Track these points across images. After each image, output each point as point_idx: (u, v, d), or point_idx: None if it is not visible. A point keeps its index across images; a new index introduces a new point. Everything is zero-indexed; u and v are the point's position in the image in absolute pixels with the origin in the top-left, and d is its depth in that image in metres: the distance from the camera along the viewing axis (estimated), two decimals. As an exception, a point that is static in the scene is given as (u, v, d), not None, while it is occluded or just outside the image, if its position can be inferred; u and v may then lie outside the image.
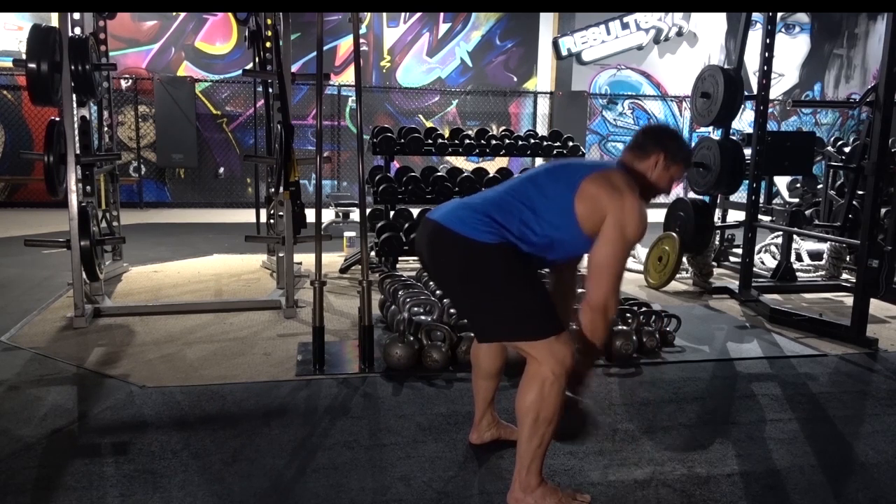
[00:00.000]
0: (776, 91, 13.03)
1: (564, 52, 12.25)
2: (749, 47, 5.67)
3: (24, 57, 4.08)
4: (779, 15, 5.72)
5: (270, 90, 5.62)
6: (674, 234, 5.50)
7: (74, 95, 4.41)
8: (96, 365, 3.48)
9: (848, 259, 6.06)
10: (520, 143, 6.35)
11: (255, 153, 6.77)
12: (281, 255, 4.96)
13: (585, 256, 2.26)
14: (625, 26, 12.42)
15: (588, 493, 2.31)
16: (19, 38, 9.91)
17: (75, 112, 4.53)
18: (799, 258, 6.47)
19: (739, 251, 5.72)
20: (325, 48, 8.22)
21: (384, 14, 11.46)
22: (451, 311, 3.75)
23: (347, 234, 6.61)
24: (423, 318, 3.65)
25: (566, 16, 12.14)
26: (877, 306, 4.59)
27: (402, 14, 11.55)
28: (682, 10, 12.45)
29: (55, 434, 2.70)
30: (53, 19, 6.92)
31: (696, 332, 4.28)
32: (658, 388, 3.35)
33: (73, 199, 4.15)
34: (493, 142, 6.30)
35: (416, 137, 6.05)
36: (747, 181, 5.24)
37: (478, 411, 2.65)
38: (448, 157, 9.65)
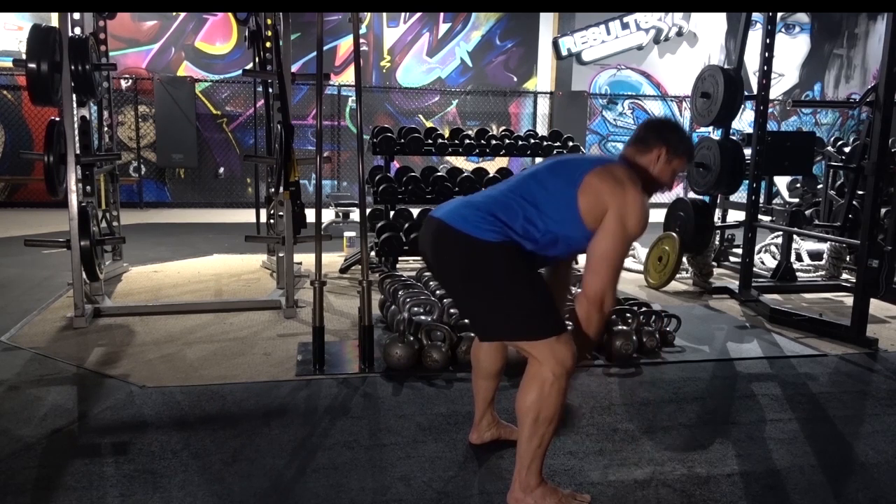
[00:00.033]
0: (776, 91, 13.03)
1: (564, 52, 12.25)
2: (749, 47, 5.67)
3: (24, 57, 4.08)
4: (779, 15, 5.72)
5: (270, 90, 5.62)
6: (674, 234, 5.50)
7: (74, 95, 4.41)
8: (96, 365, 3.48)
9: (848, 259, 6.06)
10: (520, 143, 6.35)
11: (255, 153, 6.77)
12: (281, 255, 4.96)
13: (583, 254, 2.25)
14: (625, 26, 12.43)
15: (588, 493, 2.31)
16: (19, 38, 9.91)
17: (75, 112, 4.53)
18: (799, 258, 6.47)
19: (739, 251, 5.72)
20: (325, 48, 8.22)
21: (384, 14, 11.46)
22: (451, 311, 3.75)
23: (347, 234, 6.61)
24: (423, 318, 3.65)
25: (566, 16, 12.15)
26: (877, 306, 4.59)
27: (402, 14, 11.55)
28: (682, 10, 12.45)
29: (55, 434, 2.70)
30: (53, 19, 6.92)
31: (696, 332, 4.28)
32: (658, 388, 3.35)
33: (73, 199, 4.15)
34: (493, 142, 6.30)
35: (416, 137, 6.05)
36: (747, 181, 5.24)
37: (478, 411, 2.65)
38: (448, 157, 9.66)
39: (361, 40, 11.25)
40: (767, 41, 4.92)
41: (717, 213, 6.11)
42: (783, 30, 13.03)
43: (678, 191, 11.65)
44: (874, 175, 4.01)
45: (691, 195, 5.94)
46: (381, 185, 5.72)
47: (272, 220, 5.56)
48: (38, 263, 5.91)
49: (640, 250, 6.38)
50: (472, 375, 2.64)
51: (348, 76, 11.29)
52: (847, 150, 6.46)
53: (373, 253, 5.51)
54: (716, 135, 6.46)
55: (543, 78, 12.27)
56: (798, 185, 7.11)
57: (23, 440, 2.63)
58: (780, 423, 2.98)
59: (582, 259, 2.20)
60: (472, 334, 3.46)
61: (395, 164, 6.43)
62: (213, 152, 11.14)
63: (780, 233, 6.06)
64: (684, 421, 2.97)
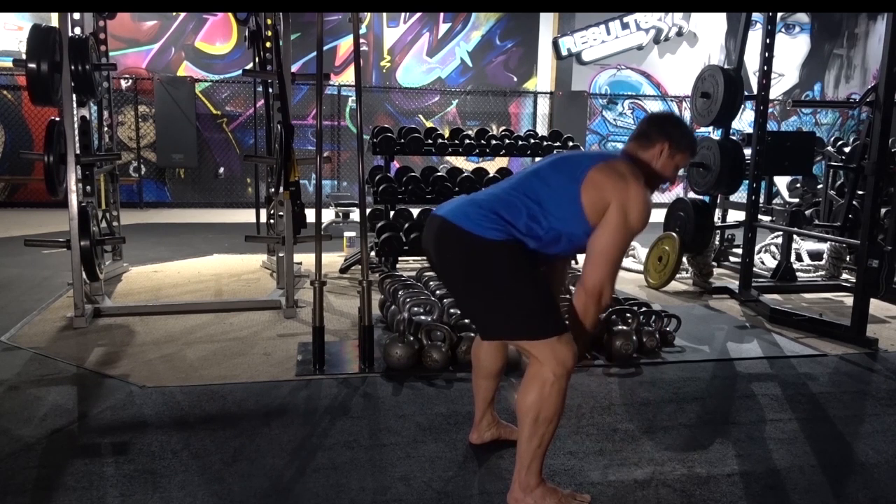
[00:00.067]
0: (776, 91, 13.03)
1: (564, 52, 12.25)
2: (749, 47, 5.67)
3: (24, 57, 4.08)
4: (779, 15, 5.72)
5: (270, 90, 5.62)
6: (674, 234, 5.50)
7: (74, 95, 4.41)
8: (96, 365, 3.48)
9: (848, 259, 6.06)
10: (520, 143, 6.35)
11: (255, 153, 6.78)
12: (281, 255, 4.96)
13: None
14: (625, 26, 12.43)
15: (588, 493, 2.31)
16: (19, 38, 9.91)
17: (75, 112, 4.54)
18: (799, 258, 6.47)
19: (739, 251, 5.72)
20: (325, 48, 8.22)
21: (384, 14, 11.46)
22: (451, 310, 3.75)
23: (347, 234, 6.61)
24: (423, 318, 3.65)
25: (566, 16, 12.15)
26: (877, 306, 4.59)
27: (402, 14, 11.55)
28: (682, 10, 12.45)
29: (55, 434, 2.70)
30: (53, 19, 6.92)
31: (696, 332, 4.28)
32: (658, 388, 3.35)
33: (73, 199, 4.15)
34: (493, 142, 6.30)
35: (416, 137, 6.05)
36: (747, 181, 5.24)
37: (478, 411, 2.65)
38: (448, 157, 9.65)
39: (361, 40, 11.25)
40: (767, 41, 4.92)
41: (717, 213, 6.11)
42: (783, 30, 13.03)
43: (678, 191, 11.66)
44: (874, 175, 4.01)
45: (691, 195, 5.94)
46: (381, 185, 5.72)
47: (272, 220, 5.56)
48: (38, 263, 5.91)
49: (640, 250, 6.38)
50: (472, 375, 2.64)
51: (348, 76, 11.29)
52: (847, 150, 6.46)
53: (373, 253, 5.51)
54: (716, 135, 6.46)
55: (543, 78, 12.27)
56: (798, 185, 7.11)
57: (23, 440, 2.63)
58: (780, 423, 2.98)
59: (581, 258, 2.20)
60: (472, 334, 3.47)
61: (395, 164, 6.43)
62: (213, 152, 11.14)
63: (780, 233, 6.06)
64: (684, 421, 2.97)
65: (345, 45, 11.42)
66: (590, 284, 2.11)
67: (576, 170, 2.15)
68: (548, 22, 12.13)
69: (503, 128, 7.11)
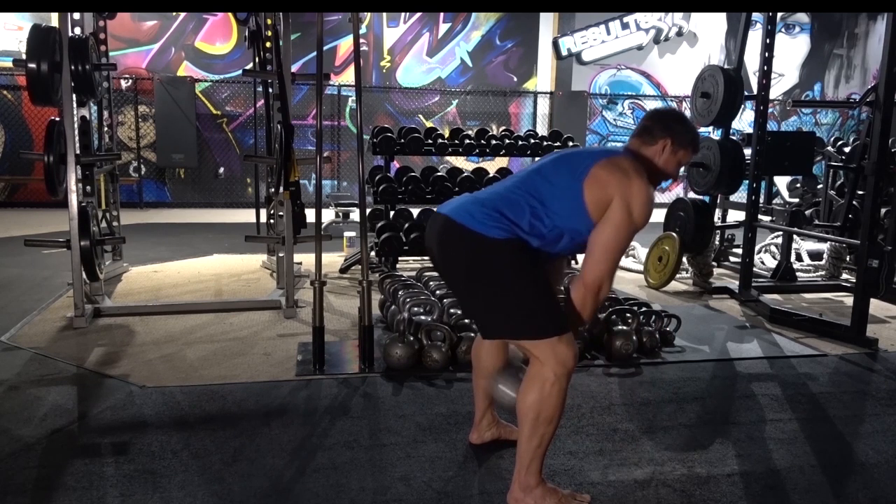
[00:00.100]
0: (776, 91, 13.03)
1: (564, 52, 12.25)
2: (749, 47, 5.67)
3: (24, 57, 4.08)
4: (779, 15, 5.72)
5: (270, 90, 5.62)
6: (674, 234, 5.50)
7: (74, 95, 4.41)
8: (96, 365, 3.48)
9: (848, 259, 6.06)
10: (520, 143, 6.35)
11: (255, 153, 6.78)
12: (281, 255, 4.96)
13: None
14: (625, 26, 12.43)
15: (588, 493, 2.31)
16: (19, 38, 9.91)
17: (75, 112, 4.54)
18: (799, 258, 6.47)
19: (739, 251, 5.72)
20: (325, 48, 8.22)
21: (384, 14, 11.46)
22: (452, 310, 3.75)
23: (347, 234, 6.61)
24: (423, 318, 3.64)
25: (566, 16, 12.15)
26: (877, 306, 4.59)
27: (402, 14, 11.55)
28: (682, 10, 12.45)
29: (55, 434, 2.70)
30: (53, 19, 6.92)
31: (696, 332, 4.28)
32: (658, 388, 3.35)
33: (73, 199, 4.15)
34: (493, 142, 6.30)
35: (416, 137, 6.05)
36: (747, 181, 5.24)
37: (478, 411, 2.65)
38: (448, 157, 9.65)
39: (361, 40, 11.25)
40: (767, 41, 4.92)
41: (717, 213, 6.11)
42: (783, 30, 13.03)
43: (678, 190, 11.66)
44: (874, 175, 4.01)
45: (691, 195, 5.94)
46: (381, 185, 5.72)
47: (272, 220, 5.56)
48: (38, 263, 5.91)
49: (640, 250, 6.38)
50: (472, 375, 2.64)
51: (348, 76, 11.29)
52: (847, 150, 6.46)
53: (373, 253, 5.51)
54: (716, 135, 6.46)
55: (543, 78, 12.27)
56: (798, 185, 7.11)
57: (23, 440, 2.63)
58: (780, 423, 2.98)
59: (580, 258, 2.20)
60: (473, 334, 3.47)
61: (395, 164, 6.43)
62: (213, 152, 11.14)
63: (780, 233, 6.06)
64: (684, 421, 2.97)
65: (345, 45, 11.42)
66: (590, 279, 2.11)
67: (578, 167, 2.15)
68: (548, 22, 12.13)
69: (503, 128, 7.12)
